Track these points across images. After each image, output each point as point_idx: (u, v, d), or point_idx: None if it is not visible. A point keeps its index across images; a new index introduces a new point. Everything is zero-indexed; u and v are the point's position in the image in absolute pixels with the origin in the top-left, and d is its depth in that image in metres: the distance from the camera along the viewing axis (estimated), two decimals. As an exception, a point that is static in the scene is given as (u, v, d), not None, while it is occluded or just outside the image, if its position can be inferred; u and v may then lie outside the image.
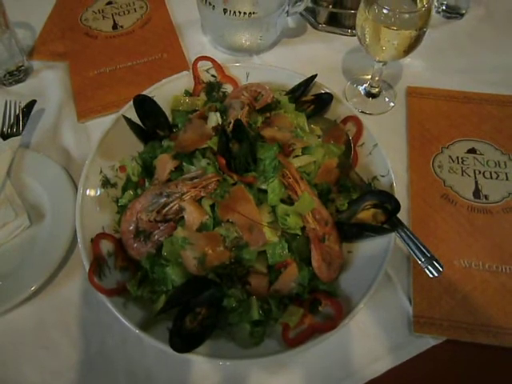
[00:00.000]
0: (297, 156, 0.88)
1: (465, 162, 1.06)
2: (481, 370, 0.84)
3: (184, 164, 0.88)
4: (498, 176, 1.04)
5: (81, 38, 1.35)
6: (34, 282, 0.89)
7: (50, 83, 1.25)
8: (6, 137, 1.09)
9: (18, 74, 1.25)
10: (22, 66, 1.26)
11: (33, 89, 1.24)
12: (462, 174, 1.05)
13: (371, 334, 0.87)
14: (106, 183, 0.94)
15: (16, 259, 0.94)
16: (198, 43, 1.33)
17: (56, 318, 0.89)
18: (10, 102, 1.14)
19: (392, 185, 0.91)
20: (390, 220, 0.86)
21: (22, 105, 1.15)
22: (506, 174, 1.04)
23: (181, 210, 0.83)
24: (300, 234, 0.83)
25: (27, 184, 1.04)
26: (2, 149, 1.06)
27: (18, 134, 1.10)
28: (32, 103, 1.16)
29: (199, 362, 0.83)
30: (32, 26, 1.39)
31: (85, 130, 1.16)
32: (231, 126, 0.87)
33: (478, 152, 1.08)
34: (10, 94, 1.22)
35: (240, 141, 0.84)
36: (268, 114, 0.95)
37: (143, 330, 0.78)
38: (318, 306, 0.82)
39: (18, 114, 1.13)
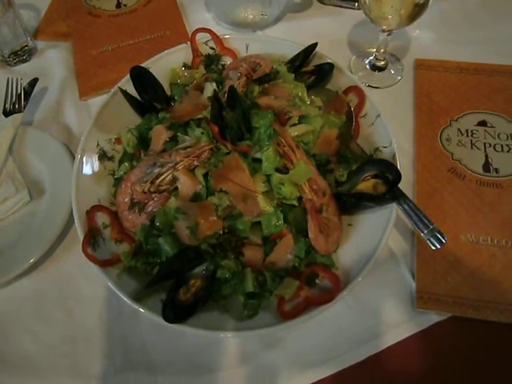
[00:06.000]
0: (294, 125, 0.85)
1: (474, 135, 1.02)
2: (486, 348, 0.81)
3: (179, 134, 0.87)
4: (510, 149, 0.99)
5: (84, 18, 1.34)
6: (33, 255, 0.89)
7: (53, 63, 1.26)
8: (8, 114, 1.09)
9: (22, 54, 1.26)
10: (26, 46, 1.26)
11: (37, 68, 1.24)
12: (472, 148, 1.00)
13: (372, 310, 0.84)
14: (103, 156, 0.93)
15: (16, 233, 0.94)
16: (201, 20, 1.31)
17: (54, 291, 0.90)
18: (12, 79, 1.14)
19: (394, 156, 0.88)
20: (391, 191, 0.83)
21: (25, 83, 1.15)
22: (519, 146, 0.99)
23: (174, 180, 0.82)
24: (297, 204, 0.81)
25: (28, 160, 1.04)
26: (4, 125, 1.06)
27: (19, 111, 1.10)
28: (34, 81, 1.16)
29: (194, 335, 0.81)
30: (37, 7, 1.39)
31: (86, 108, 1.15)
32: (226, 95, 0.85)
33: (488, 124, 1.03)
34: (14, 73, 1.22)
35: (234, 108, 0.81)
36: (266, 85, 0.93)
37: (136, 301, 0.77)
38: (315, 279, 0.80)
39: (20, 92, 1.13)
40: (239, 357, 0.81)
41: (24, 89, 1.14)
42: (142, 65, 1.00)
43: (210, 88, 0.91)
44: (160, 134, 0.88)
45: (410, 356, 0.81)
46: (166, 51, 1.05)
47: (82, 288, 0.89)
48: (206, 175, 0.81)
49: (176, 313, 0.74)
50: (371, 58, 1.16)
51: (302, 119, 0.86)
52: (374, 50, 1.14)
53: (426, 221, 0.80)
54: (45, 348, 0.84)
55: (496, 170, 0.96)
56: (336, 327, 0.83)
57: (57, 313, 0.87)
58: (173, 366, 0.81)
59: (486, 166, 0.97)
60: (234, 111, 0.81)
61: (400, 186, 0.84)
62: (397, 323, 0.83)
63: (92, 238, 0.83)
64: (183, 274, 0.78)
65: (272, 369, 0.80)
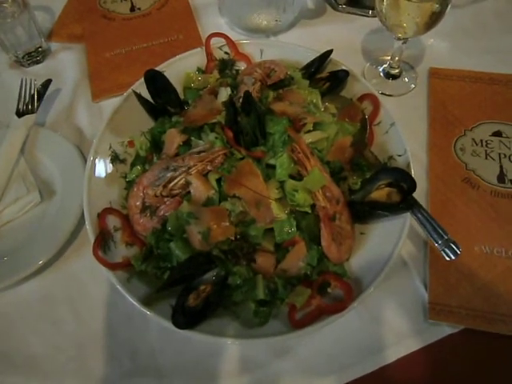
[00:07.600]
0: (308, 132, 0.84)
1: (489, 145, 1.01)
2: (499, 362, 0.79)
3: (192, 138, 0.87)
4: (526, 160, 0.98)
5: (99, 21, 1.35)
6: (43, 256, 0.89)
7: (66, 64, 1.26)
8: (21, 114, 1.10)
9: (36, 56, 1.26)
10: (41, 47, 1.27)
11: (50, 70, 1.25)
12: (486, 158, 0.99)
13: (383, 320, 0.83)
14: (115, 159, 0.93)
15: (26, 234, 0.94)
16: (214, 24, 1.31)
17: (63, 293, 0.89)
18: (26, 80, 1.14)
19: (409, 164, 0.87)
20: (405, 200, 0.82)
21: (38, 84, 1.15)
22: (534, 158, 0.98)
23: (187, 184, 0.81)
24: (310, 211, 0.80)
25: (40, 161, 1.04)
26: (17, 126, 1.07)
27: (32, 112, 1.11)
28: (48, 82, 1.16)
29: (203, 342, 0.80)
30: (52, 10, 1.40)
31: (99, 110, 1.15)
32: (241, 100, 0.85)
33: (503, 135, 1.02)
34: (28, 74, 1.22)
35: (248, 114, 0.81)
36: (281, 91, 0.93)
37: (146, 305, 0.76)
38: (327, 288, 0.79)
39: (34, 93, 1.13)
40: (248, 364, 0.80)
41: (37, 90, 1.14)
42: (157, 68, 1.00)
43: (224, 93, 0.91)
44: (173, 138, 0.87)
45: (420, 368, 0.80)
46: (180, 55, 1.05)
47: (90, 291, 0.89)
48: (219, 180, 0.81)
49: (186, 318, 0.74)
50: (385, 65, 1.15)
51: (317, 126, 0.85)
52: (388, 57, 1.14)
53: (440, 231, 0.79)
54: (51, 350, 0.84)
55: (511, 181, 0.95)
56: (346, 337, 0.82)
57: (65, 315, 0.87)
58: (180, 372, 0.81)
59: (501, 177, 0.96)
60: (249, 117, 0.81)
61: (413, 195, 0.83)
62: (408, 334, 0.82)
63: (103, 240, 0.83)
64: (193, 279, 0.78)
65: (280, 377, 0.80)
